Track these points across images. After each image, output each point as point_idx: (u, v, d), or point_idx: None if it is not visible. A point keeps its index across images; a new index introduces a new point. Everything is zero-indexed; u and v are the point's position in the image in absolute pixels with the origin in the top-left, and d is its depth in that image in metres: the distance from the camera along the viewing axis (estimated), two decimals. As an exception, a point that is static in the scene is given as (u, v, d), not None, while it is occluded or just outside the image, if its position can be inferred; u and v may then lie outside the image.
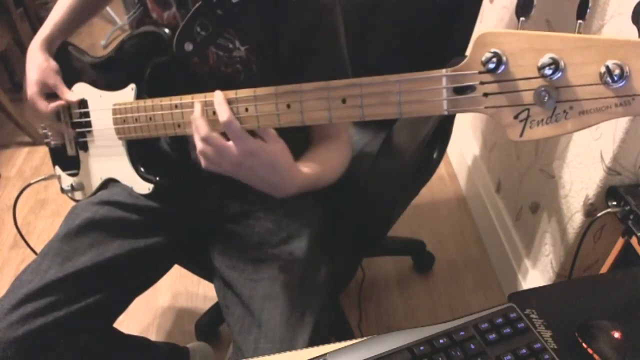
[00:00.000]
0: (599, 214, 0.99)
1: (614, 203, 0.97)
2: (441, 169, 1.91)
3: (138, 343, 1.00)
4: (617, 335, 0.56)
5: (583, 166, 1.04)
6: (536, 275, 1.28)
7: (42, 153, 2.16)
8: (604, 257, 1.04)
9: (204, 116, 0.65)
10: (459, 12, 0.99)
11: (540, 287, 0.66)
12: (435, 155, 1.16)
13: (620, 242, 0.97)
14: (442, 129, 1.13)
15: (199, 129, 0.64)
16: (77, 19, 0.95)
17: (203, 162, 0.66)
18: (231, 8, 0.71)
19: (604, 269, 1.03)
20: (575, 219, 1.08)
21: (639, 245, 0.91)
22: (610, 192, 0.98)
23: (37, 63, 0.88)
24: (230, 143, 0.62)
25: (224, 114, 0.62)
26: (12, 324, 0.71)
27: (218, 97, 0.63)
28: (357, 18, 1.10)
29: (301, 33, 0.74)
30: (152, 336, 1.39)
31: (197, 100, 0.66)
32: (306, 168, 0.71)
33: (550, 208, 1.20)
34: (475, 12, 0.99)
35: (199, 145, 0.65)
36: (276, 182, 0.66)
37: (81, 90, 0.89)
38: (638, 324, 0.59)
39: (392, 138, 1.00)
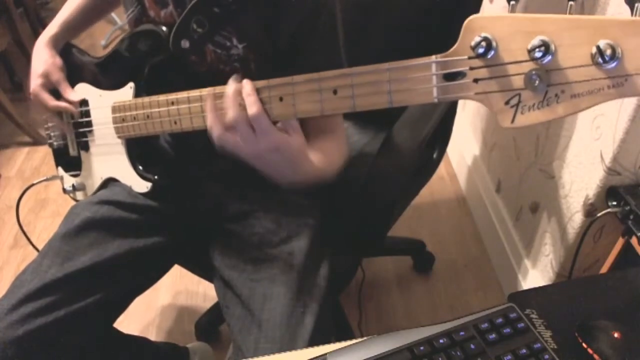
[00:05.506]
0: (599, 214, 0.99)
1: (614, 203, 0.96)
2: (441, 169, 1.91)
3: (138, 343, 1.00)
4: (617, 335, 0.56)
5: (583, 166, 1.04)
6: (536, 275, 1.28)
7: (42, 153, 2.16)
8: (604, 257, 1.04)
9: (236, 103, 0.60)
10: (458, 12, 0.99)
11: (540, 287, 0.66)
12: (435, 155, 1.15)
13: (620, 242, 0.97)
14: (442, 129, 1.13)
15: (228, 113, 0.60)
16: (85, 20, 0.96)
17: (220, 144, 0.62)
18: (228, 5, 0.71)
19: (604, 269, 1.03)
20: (575, 219, 1.08)
21: (639, 245, 0.91)
22: (610, 192, 0.98)
23: (44, 58, 0.89)
24: (257, 135, 0.59)
25: (253, 106, 0.58)
26: (12, 324, 0.71)
27: (247, 87, 0.60)
28: (356, 18, 1.10)
29: (300, 31, 0.74)
30: (152, 336, 1.39)
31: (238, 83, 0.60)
32: (317, 161, 0.68)
33: (550, 208, 1.20)
34: (475, 12, 0.99)
35: (218, 130, 0.61)
36: (290, 175, 0.65)
37: (82, 91, 0.89)
38: (638, 324, 0.59)
39: (392, 138, 1.00)
